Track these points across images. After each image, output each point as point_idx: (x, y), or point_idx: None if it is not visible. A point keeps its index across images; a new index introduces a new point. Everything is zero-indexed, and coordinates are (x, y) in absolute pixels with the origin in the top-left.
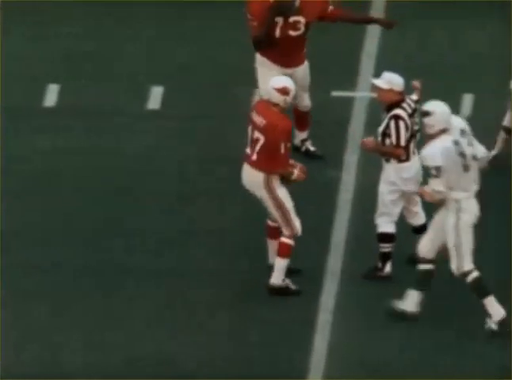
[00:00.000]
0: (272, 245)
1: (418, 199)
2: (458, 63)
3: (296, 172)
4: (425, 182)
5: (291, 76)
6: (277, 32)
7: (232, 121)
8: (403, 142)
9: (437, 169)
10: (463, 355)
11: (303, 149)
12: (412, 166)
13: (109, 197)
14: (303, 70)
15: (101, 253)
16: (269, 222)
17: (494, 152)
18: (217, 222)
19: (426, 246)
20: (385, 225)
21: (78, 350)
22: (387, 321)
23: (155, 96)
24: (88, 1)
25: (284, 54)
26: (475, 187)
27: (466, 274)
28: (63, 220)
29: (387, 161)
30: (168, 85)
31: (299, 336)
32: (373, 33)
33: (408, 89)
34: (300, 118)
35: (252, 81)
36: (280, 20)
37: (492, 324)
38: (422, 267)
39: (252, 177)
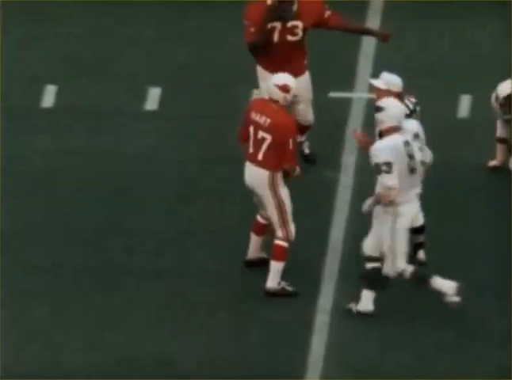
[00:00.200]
0: (254, 241)
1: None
2: (458, 63)
3: (298, 170)
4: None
5: None
6: (276, 38)
7: (232, 121)
8: None
9: (388, 164)
10: (463, 355)
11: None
12: None
13: (109, 197)
14: (304, 81)
15: (101, 253)
16: (259, 218)
17: (494, 163)
18: (217, 222)
19: (370, 245)
20: None
21: (78, 350)
22: (385, 322)
23: (155, 97)
24: (88, 1)
25: (284, 60)
26: (417, 190)
27: (402, 272)
28: (63, 220)
29: None
30: (168, 85)
31: (298, 336)
32: None
33: (407, 90)
34: (300, 128)
35: (252, 81)
36: (278, 25)
37: (453, 298)
38: (369, 265)
39: (257, 176)
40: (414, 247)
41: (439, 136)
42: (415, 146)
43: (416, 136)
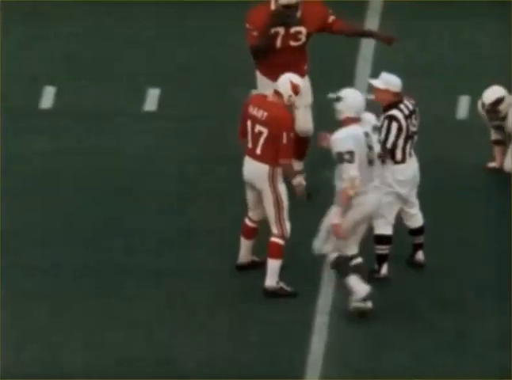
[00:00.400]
0: (244, 245)
1: (415, 201)
2: (458, 63)
3: (298, 179)
4: (425, 184)
5: None
6: (278, 43)
7: (232, 121)
8: (389, 145)
9: (350, 153)
10: (462, 355)
11: None
12: (408, 168)
13: (109, 197)
14: (304, 85)
15: (101, 253)
16: (248, 222)
17: (493, 165)
18: (217, 222)
19: (351, 244)
20: (382, 227)
21: (78, 350)
22: (384, 322)
23: (155, 97)
24: (88, 1)
25: (284, 64)
26: (375, 183)
27: (326, 255)
28: (63, 220)
29: (383, 162)
30: (168, 85)
31: (298, 336)
32: None
33: (407, 90)
34: (298, 144)
35: (252, 82)
36: (281, 30)
37: (356, 303)
38: (354, 262)
39: (257, 170)
40: (413, 248)
41: (439, 136)
42: (374, 138)
43: (375, 128)
